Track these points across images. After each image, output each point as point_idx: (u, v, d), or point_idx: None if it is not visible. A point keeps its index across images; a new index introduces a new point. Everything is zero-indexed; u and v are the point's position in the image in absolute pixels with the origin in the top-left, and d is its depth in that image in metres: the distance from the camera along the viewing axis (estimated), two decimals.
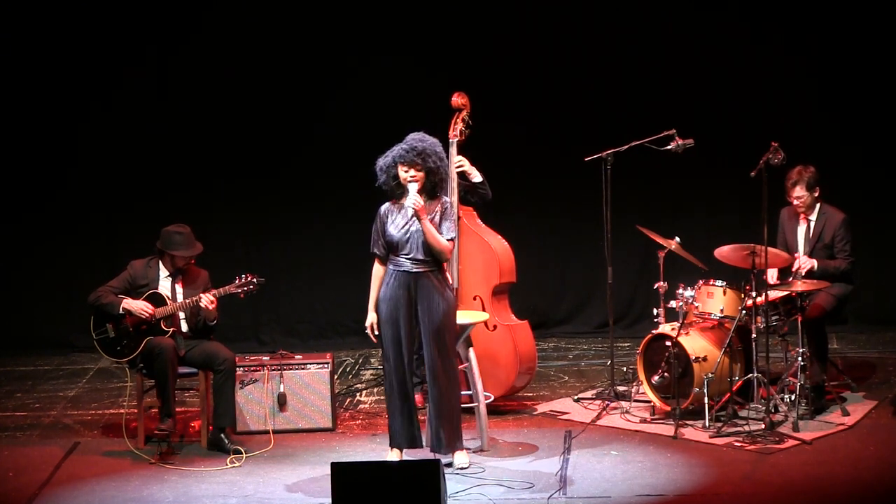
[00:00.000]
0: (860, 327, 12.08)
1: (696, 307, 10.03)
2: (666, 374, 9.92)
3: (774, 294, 9.90)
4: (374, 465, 8.54)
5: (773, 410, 9.71)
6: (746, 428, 9.56)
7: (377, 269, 9.08)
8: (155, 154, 12.29)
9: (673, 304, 10.11)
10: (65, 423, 10.40)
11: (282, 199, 12.35)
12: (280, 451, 9.62)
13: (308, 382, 10.06)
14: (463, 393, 9.37)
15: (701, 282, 10.07)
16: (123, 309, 9.63)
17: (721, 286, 9.97)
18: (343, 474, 7.87)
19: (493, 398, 10.04)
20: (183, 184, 12.23)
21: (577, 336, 12.46)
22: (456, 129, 10.19)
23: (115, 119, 12.28)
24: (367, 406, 10.67)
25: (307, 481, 9.01)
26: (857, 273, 10.38)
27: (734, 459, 9.18)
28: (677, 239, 10.23)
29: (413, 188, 8.89)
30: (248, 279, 9.72)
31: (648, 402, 10.12)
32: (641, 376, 10.11)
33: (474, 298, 10.22)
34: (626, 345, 11.95)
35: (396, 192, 8.99)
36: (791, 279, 9.97)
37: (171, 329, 9.68)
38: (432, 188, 8.97)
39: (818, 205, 10.22)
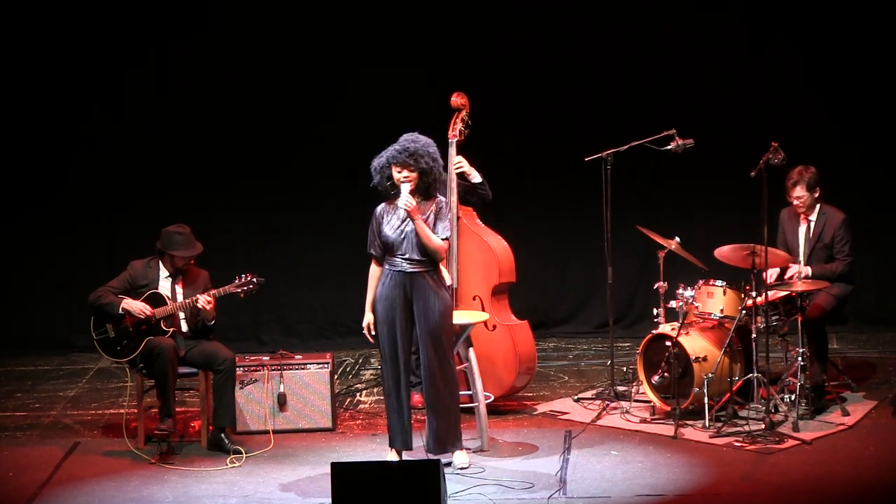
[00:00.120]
0: (860, 327, 12.07)
1: (696, 307, 10.03)
2: (666, 374, 9.91)
3: (774, 294, 9.90)
4: (374, 465, 8.54)
5: (773, 410, 9.71)
6: (746, 428, 9.56)
7: (374, 270, 9.08)
8: (155, 154, 12.29)
9: (673, 304, 10.10)
10: (65, 423, 10.39)
11: (282, 199, 12.35)
12: (280, 451, 9.61)
13: (308, 382, 10.06)
14: (463, 393, 9.37)
15: (701, 282, 10.07)
16: (123, 309, 9.63)
17: (721, 286, 9.96)
18: (343, 474, 7.87)
19: (492, 398, 10.04)
20: (183, 184, 12.22)
21: (577, 336, 12.45)
22: (455, 129, 10.18)
23: (115, 119, 12.28)
24: (367, 406, 10.67)
25: (307, 481, 9.01)
26: (857, 273, 10.37)
27: (734, 459, 9.17)
28: (677, 239, 10.22)
29: (405, 189, 8.89)
30: (248, 279, 9.72)
31: (648, 402, 10.11)
32: (641, 376, 10.10)
33: (474, 298, 10.22)
34: (626, 345, 11.95)
35: (391, 193, 8.99)
36: (788, 278, 9.99)
37: (171, 329, 9.67)
38: (426, 188, 8.96)
39: (818, 205, 10.21)
